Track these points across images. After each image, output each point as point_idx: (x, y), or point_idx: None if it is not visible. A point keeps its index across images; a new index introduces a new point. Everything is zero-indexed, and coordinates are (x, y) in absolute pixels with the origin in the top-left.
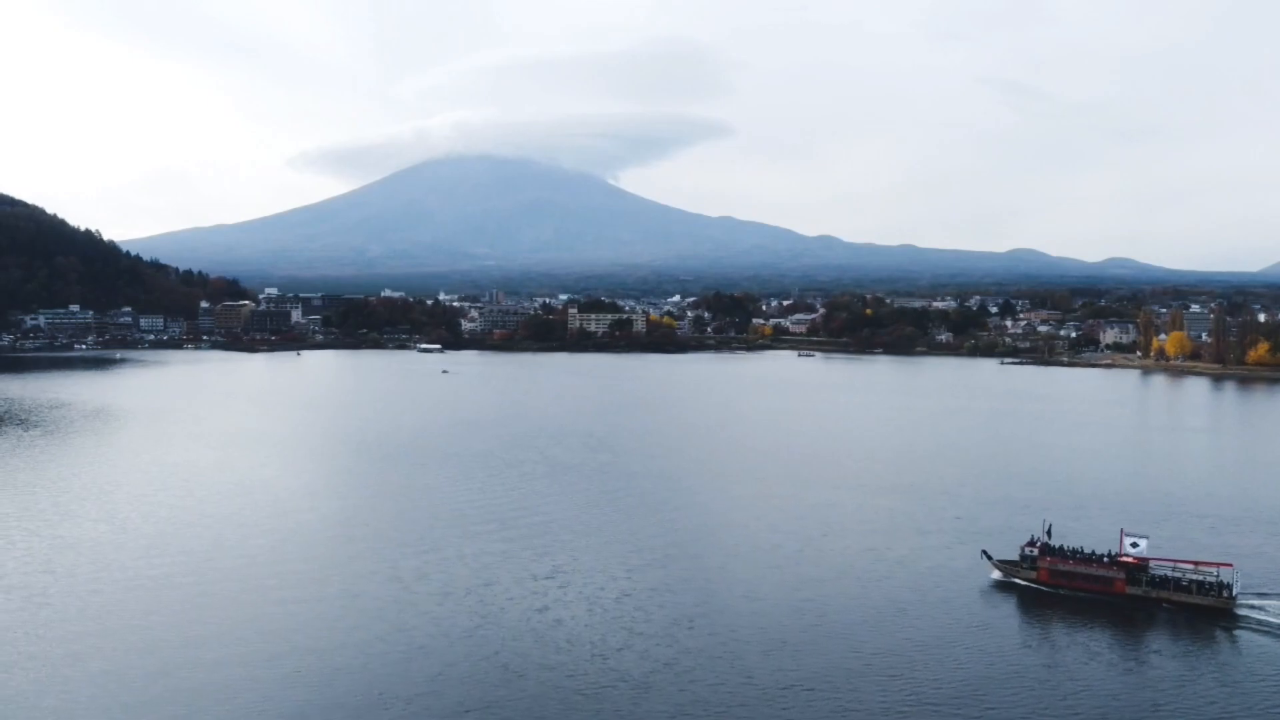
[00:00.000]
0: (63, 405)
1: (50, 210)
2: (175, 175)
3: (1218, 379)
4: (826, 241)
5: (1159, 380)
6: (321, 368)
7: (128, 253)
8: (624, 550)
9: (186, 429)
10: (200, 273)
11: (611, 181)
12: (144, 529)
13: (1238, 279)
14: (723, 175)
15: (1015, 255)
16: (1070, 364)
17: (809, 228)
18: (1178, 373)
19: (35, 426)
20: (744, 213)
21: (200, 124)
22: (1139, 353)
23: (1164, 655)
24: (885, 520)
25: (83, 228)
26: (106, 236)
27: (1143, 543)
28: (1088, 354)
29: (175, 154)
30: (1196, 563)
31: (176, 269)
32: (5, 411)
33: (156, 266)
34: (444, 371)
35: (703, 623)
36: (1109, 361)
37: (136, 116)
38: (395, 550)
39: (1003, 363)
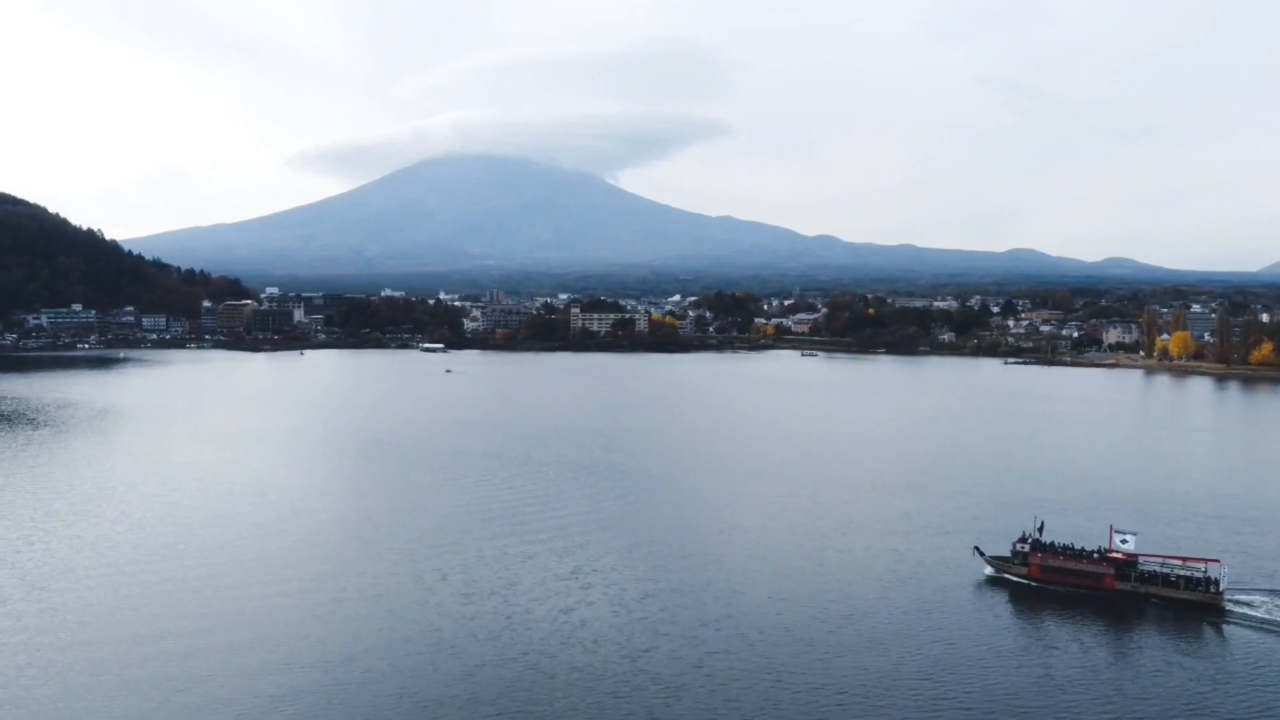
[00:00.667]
0: (70, 405)
1: (51, 210)
2: (174, 175)
3: (1221, 379)
4: (826, 241)
5: (1163, 380)
6: (325, 367)
7: (130, 252)
8: (644, 550)
9: (195, 428)
10: (202, 272)
11: (611, 181)
12: (161, 529)
13: (1237, 279)
14: (722, 175)
15: (1015, 255)
16: (1074, 364)
17: (809, 227)
18: (1181, 373)
19: (44, 426)
20: (744, 212)
21: (199, 124)
22: (1142, 353)
23: (1181, 654)
24: (903, 520)
25: (85, 227)
26: (107, 236)
27: (1132, 539)
28: (1091, 354)
29: (174, 154)
30: (1185, 558)
31: (178, 268)
32: (13, 411)
33: (159, 266)
34: (448, 371)
35: (729, 624)
36: (1112, 361)
37: (136, 116)
38: (414, 550)
39: (1006, 362)
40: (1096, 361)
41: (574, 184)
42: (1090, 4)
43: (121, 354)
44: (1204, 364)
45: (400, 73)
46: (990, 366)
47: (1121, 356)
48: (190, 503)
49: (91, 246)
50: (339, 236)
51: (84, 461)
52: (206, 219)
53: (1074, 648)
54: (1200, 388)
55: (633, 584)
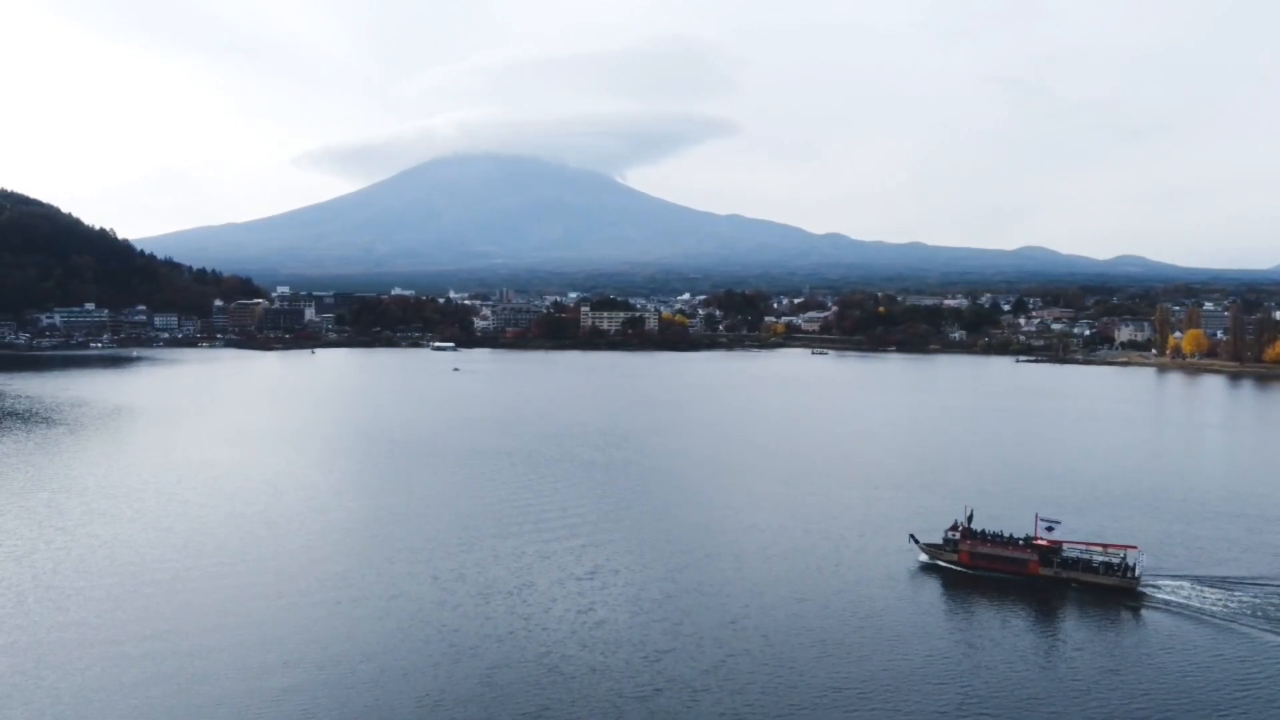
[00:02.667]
0: (83, 403)
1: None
2: (176, 175)
3: (1235, 377)
4: (834, 239)
5: (1176, 378)
6: (336, 366)
7: (142, 252)
8: (661, 550)
9: (208, 427)
10: (214, 271)
11: (619, 180)
12: (177, 528)
13: (1249, 276)
14: (729, 173)
15: (1024, 253)
16: (1085, 362)
17: (817, 225)
18: (1194, 370)
19: (59, 425)
20: (752, 211)
21: (202, 123)
22: (1154, 350)
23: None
24: (919, 519)
25: (97, 227)
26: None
27: (1057, 527)
28: (1103, 352)
29: (176, 154)
30: (1105, 545)
31: (190, 267)
32: (28, 410)
33: (170, 265)
34: (455, 370)
35: (749, 624)
36: (1124, 359)
37: (136, 117)
38: (430, 549)
39: (1018, 361)
40: (1108, 360)
41: (581, 183)
42: (1091, 3)
43: (134, 353)
44: (1217, 362)
45: (402, 72)
46: (1001, 365)
47: (1134, 355)
48: (204, 501)
49: (104, 246)
50: (348, 236)
51: (98, 460)
52: (211, 218)
53: (1103, 656)
54: (1214, 386)
55: (650, 584)
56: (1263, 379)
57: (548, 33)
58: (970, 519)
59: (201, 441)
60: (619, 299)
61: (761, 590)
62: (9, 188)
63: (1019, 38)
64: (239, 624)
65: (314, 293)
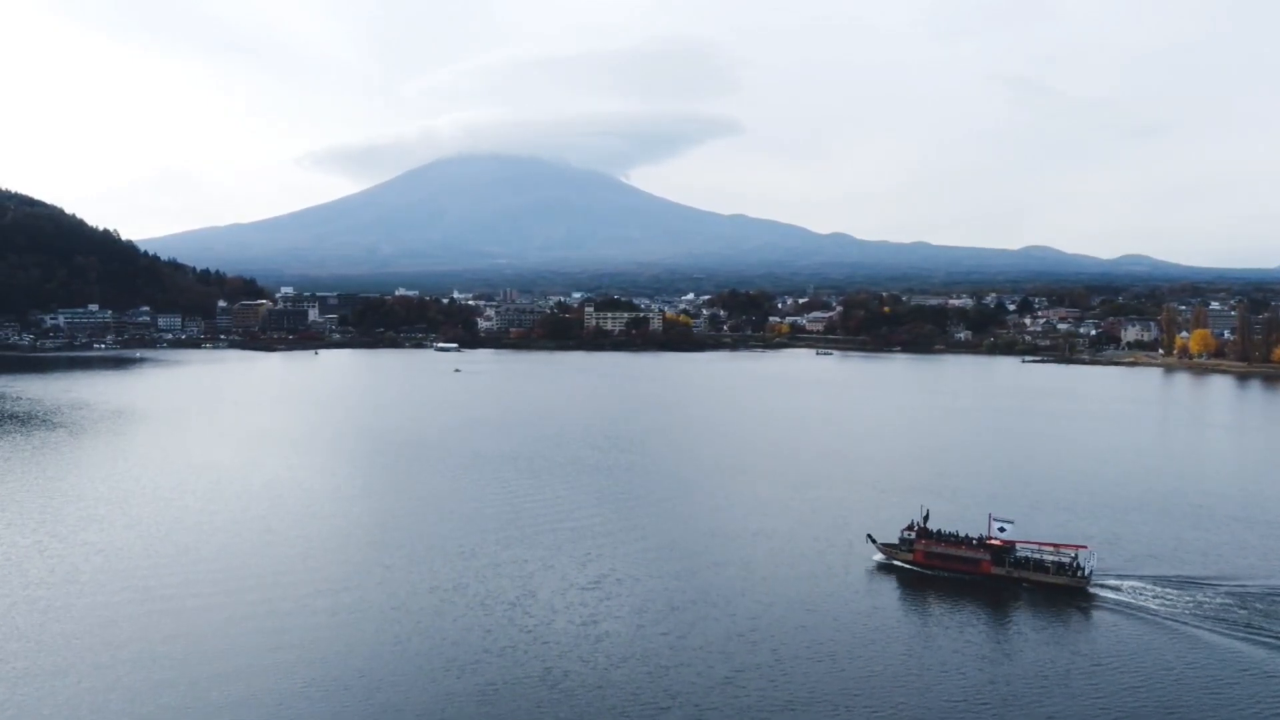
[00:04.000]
0: (85, 405)
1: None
2: (178, 175)
3: (1243, 377)
4: (839, 239)
5: (1183, 378)
6: (339, 367)
7: (145, 252)
8: (666, 558)
9: (210, 429)
10: (217, 272)
11: (623, 179)
12: (173, 536)
13: (1255, 276)
14: (734, 173)
15: (1029, 253)
16: (1091, 362)
17: (821, 225)
18: (1201, 371)
19: (59, 427)
20: (756, 210)
21: (204, 124)
22: (1161, 350)
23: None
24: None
25: (101, 228)
26: (121, 237)
27: (1009, 527)
28: (1109, 352)
29: (179, 154)
30: (1056, 545)
31: (194, 268)
32: (29, 412)
33: (174, 266)
34: (456, 370)
35: (757, 637)
36: (1131, 360)
37: (139, 117)
38: (431, 557)
39: (1023, 361)
40: (1115, 360)
41: (586, 182)
42: (1092, 1)
43: (138, 354)
44: (1224, 362)
45: (404, 73)
46: (1007, 365)
47: (1140, 355)
48: (203, 507)
49: (107, 247)
50: (352, 236)
51: (98, 464)
52: (214, 219)
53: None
54: (1221, 386)
55: (656, 594)
56: (1270, 379)
57: (549, 32)
58: (926, 519)
59: (203, 444)
60: (623, 299)
61: (770, 600)
62: (12, 189)
63: (1020, 36)
64: (232, 638)
65: (318, 293)
